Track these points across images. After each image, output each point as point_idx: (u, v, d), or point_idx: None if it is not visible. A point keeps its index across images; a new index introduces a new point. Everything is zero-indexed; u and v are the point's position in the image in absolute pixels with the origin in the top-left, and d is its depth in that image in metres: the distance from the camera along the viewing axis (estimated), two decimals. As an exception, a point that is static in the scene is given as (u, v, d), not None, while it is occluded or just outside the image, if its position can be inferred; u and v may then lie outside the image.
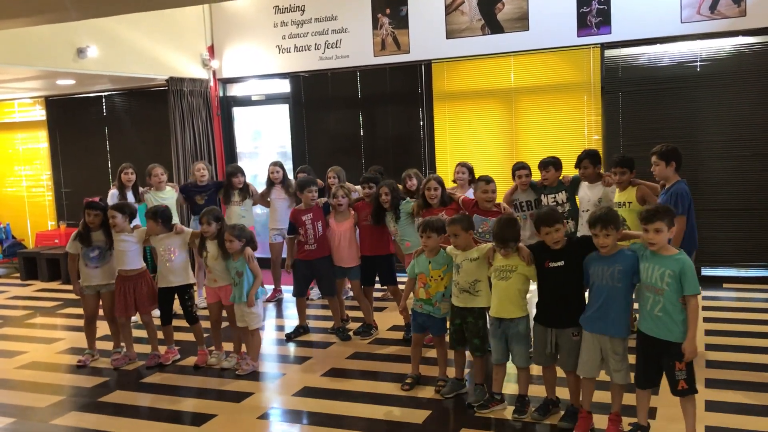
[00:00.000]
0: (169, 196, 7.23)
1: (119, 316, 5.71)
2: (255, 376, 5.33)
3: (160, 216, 5.57)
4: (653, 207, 3.80)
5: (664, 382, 3.82)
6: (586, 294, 4.06)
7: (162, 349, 5.79)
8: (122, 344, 5.86)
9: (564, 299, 4.06)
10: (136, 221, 6.08)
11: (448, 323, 4.75)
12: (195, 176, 7.42)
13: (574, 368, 4.05)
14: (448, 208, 5.55)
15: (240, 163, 9.71)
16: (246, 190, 7.48)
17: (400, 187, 6.18)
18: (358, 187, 6.56)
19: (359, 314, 6.37)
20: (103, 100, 10.32)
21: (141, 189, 7.26)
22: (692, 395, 3.71)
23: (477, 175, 6.17)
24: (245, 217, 7.47)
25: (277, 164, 7.57)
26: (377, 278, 6.28)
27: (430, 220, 4.77)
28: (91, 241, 5.67)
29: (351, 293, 6.70)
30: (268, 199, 7.60)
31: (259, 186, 7.88)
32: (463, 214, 4.91)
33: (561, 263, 4.05)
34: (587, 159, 5.78)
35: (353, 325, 6.32)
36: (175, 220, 6.56)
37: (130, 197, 7.12)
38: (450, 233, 4.54)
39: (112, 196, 7.14)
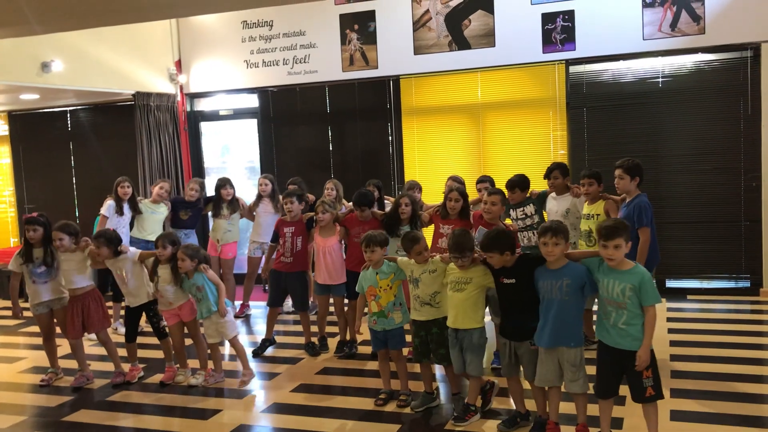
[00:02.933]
0: (160, 210, 7.29)
1: (72, 337, 5.58)
2: (223, 392, 5.27)
3: (105, 239, 5.45)
4: (612, 223, 3.80)
5: (625, 391, 3.86)
6: None
7: (125, 366, 5.69)
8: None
9: (519, 314, 4.11)
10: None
11: (410, 337, 4.77)
12: (186, 192, 7.42)
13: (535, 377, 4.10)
14: (463, 221, 5.50)
15: (207, 179, 9.65)
16: (235, 204, 7.46)
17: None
18: (350, 203, 6.47)
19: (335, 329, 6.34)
20: (68, 115, 10.19)
21: (138, 197, 7.27)
22: (656, 401, 3.77)
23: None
24: (231, 231, 7.45)
25: (267, 177, 7.55)
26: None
27: (373, 234, 4.84)
28: (32, 258, 5.55)
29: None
30: (254, 213, 7.54)
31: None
32: (413, 233, 4.87)
33: (513, 280, 4.13)
34: (557, 170, 5.81)
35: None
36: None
37: (126, 210, 7.10)
38: (418, 251, 4.56)
39: (109, 207, 7.08)
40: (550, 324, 3.93)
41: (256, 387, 5.41)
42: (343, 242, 6.11)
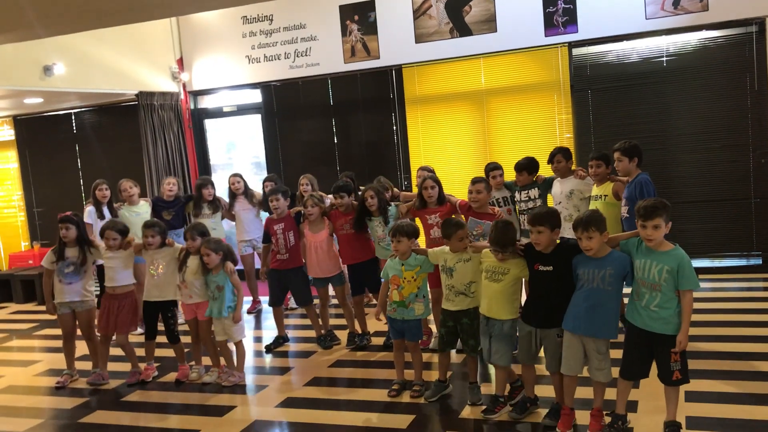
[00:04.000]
0: (143, 210, 7.17)
1: (100, 333, 5.63)
2: (237, 389, 5.29)
3: (159, 229, 5.57)
4: (651, 203, 3.70)
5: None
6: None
7: (141, 366, 5.72)
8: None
9: (551, 302, 4.02)
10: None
11: (435, 328, 4.75)
12: (163, 191, 7.37)
13: (558, 369, 4.05)
14: (442, 207, 5.52)
15: (214, 176, 9.67)
16: (216, 203, 7.43)
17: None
18: (330, 196, 6.48)
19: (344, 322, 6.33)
20: (73, 118, 10.22)
21: (115, 204, 7.17)
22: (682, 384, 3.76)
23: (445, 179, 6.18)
24: (216, 230, 7.37)
25: (237, 175, 7.53)
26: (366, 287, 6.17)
27: (402, 224, 4.81)
28: (64, 256, 5.60)
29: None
30: (233, 212, 7.52)
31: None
32: (455, 218, 4.88)
33: (550, 268, 4.02)
34: (560, 154, 5.89)
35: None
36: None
37: (106, 213, 7.05)
38: (461, 236, 4.51)
39: (89, 213, 7.04)
40: (587, 312, 3.83)
41: (270, 382, 5.43)
42: (334, 236, 6.11)
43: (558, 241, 4.11)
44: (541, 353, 4.21)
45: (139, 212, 7.10)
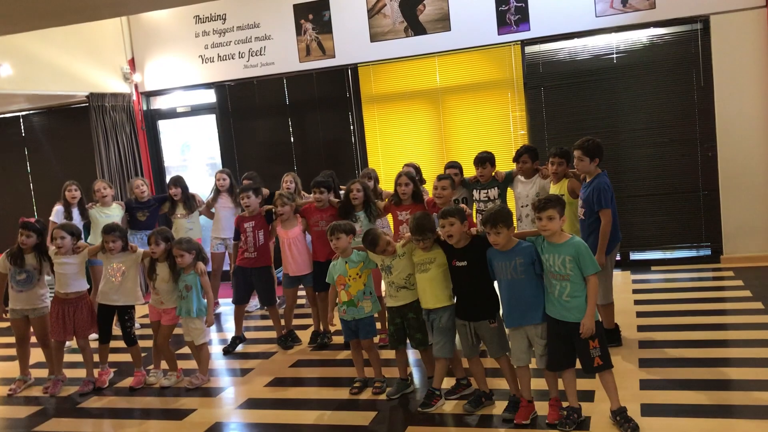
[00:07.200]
0: (114, 213, 7.06)
1: (55, 338, 5.51)
2: (196, 391, 5.24)
3: (120, 233, 5.43)
4: (545, 196, 3.98)
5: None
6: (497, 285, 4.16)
7: (97, 372, 5.61)
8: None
9: (473, 295, 4.17)
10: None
11: (380, 325, 4.78)
12: (135, 193, 7.26)
13: (500, 353, 4.15)
14: (417, 205, 5.50)
15: (168, 177, 9.52)
16: (190, 202, 7.35)
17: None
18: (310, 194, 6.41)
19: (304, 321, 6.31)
20: (21, 120, 9.95)
21: (87, 204, 7.04)
22: (609, 370, 3.85)
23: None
24: (192, 230, 7.30)
25: (225, 172, 7.46)
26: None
27: (338, 223, 4.88)
28: (22, 263, 5.46)
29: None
30: (212, 210, 7.44)
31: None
32: (369, 234, 4.79)
33: (465, 263, 4.16)
34: (527, 153, 5.72)
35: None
36: None
37: (76, 215, 6.91)
38: (382, 248, 4.56)
39: (57, 212, 6.89)
40: (511, 305, 4.01)
41: (230, 384, 5.38)
42: (306, 233, 6.07)
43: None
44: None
45: (110, 214, 6.99)
